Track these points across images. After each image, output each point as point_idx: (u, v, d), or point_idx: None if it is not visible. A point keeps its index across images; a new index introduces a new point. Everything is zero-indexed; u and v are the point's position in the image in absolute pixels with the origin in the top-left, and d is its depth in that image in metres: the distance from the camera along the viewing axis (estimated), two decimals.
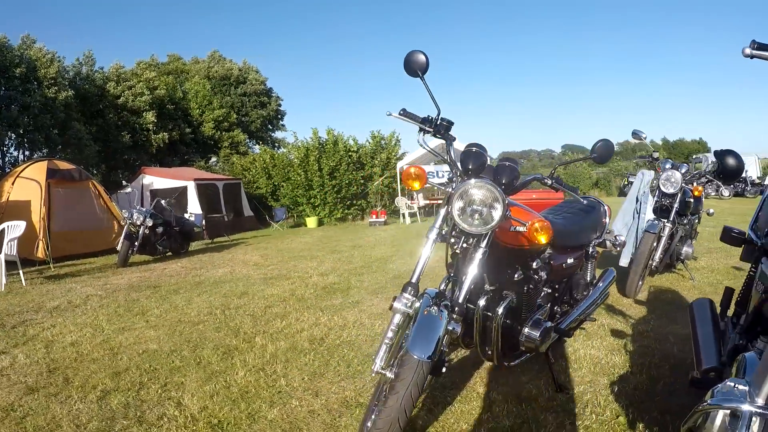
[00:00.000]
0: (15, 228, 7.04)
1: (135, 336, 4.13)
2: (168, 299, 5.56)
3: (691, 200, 5.03)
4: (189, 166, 23.15)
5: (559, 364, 3.04)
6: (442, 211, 2.23)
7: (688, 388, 2.67)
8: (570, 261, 2.86)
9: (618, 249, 3.38)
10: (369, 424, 2.11)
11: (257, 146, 29.69)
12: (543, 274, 2.58)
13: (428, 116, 2.35)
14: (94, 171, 17.93)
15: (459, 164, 2.27)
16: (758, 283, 1.90)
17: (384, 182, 18.31)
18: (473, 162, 2.22)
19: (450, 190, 2.17)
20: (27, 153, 19.01)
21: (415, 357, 1.82)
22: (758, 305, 1.76)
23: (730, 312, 2.46)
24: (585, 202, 3.01)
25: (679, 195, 4.77)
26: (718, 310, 2.42)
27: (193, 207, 14.60)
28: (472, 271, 2.14)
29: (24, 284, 6.82)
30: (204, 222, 13.23)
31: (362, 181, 18.48)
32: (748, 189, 21.09)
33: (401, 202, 16.44)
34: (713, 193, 20.59)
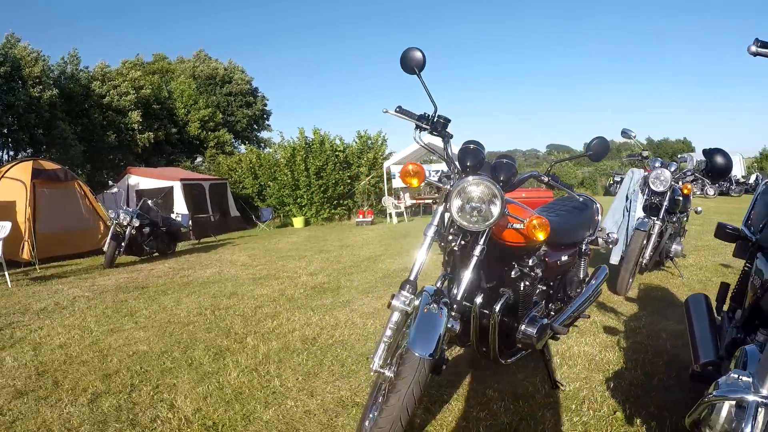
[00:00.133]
0: (0, 229, 6.92)
1: (124, 337, 4.07)
2: (156, 300, 5.50)
3: (680, 198, 5.08)
4: (175, 166, 22.94)
5: (553, 361, 3.04)
6: (440, 208, 2.21)
7: (683, 384, 2.70)
8: (564, 258, 2.86)
9: (611, 246, 3.40)
10: (367, 423, 2.09)
11: (243, 146, 29.55)
12: (538, 271, 2.58)
13: (425, 113, 2.34)
14: (79, 171, 17.70)
15: (457, 161, 2.26)
16: (755, 277, 1.91)
17: (371, 182, 18.30)
18: (471, 159, 2.21)
19: (448, 187, 2.16)
20: (11, 153, 18.75)
21: (417, 355, 1.80)
22: (756, 299, 1.77)
23: (725, 307, 2.48)
24: (581, 199, 3.02)
25: (669, 193, 4.81)
26: (714, 305, 2.43)
27: (180, 207, 14.45)
28: (470, 269, 2.14)
29: (9, 286, 6.69)
30: (190, 222, 13.11)
31: (349, 181, 18.45)
32: (733, 188, 21.39)
33: (388, 201, 16.44)
34: (698, 192, 20.84)
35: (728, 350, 1.92)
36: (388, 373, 1.98)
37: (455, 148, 2.38)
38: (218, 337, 3.96)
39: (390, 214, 16.28)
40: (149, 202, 9.85)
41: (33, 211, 9.28)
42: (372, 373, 2.11)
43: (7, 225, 7.00)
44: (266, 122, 34.94)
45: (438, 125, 2.31)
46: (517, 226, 2.27)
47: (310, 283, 6.08)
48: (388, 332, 2.03)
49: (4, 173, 9.67)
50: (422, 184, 2.18)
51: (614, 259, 5.15)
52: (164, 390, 2.95)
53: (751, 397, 1.25)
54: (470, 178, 2.09)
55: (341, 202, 18.43)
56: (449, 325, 2.00)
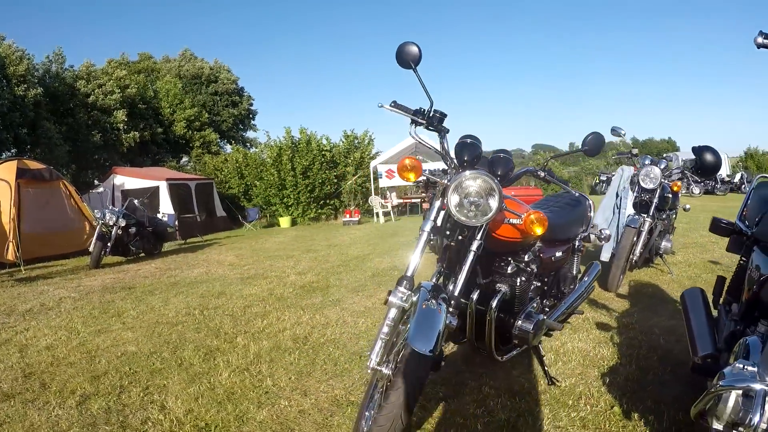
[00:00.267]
0: None
1: (112, 338, 4.00)
2: (144, 300, 5.42)
3: (670, 195, 5.11)
4: (160, 166, 22.76)
5: (548, 357, 3.03)
6: (437, 203, 2.19)
7: (679, 378, 2.70)
8: (558, 254, 2.86)
9: (603, 242, 3.40)
10: (363, 422, 2.06)
11: (229, 146, 29.42)
12: (534, 267, 2.58)
13: (420, 108, 2.32)
14: (64, 171, 17.48)
15: (454, 156, 2.24)
16: (752, 270, 1.92)
17: (357, 181, 18.28)
18: (468, 153, 2.19)
19: (446, 182, 2.14)
20: None
21: (418, 351, 1.77)
22: (755, 291, 1.78)
23: (721, 300, 2.49)
24: (576, 194, 3.02)
25: (658, 190, 4.84)
26: (710, 298, 2.44)
27: (166, 207, 14.33)
28: (468, 264, 2.11)
29: None
30: (177, 222, 13.00)
31: (335, 181, 18.42)
32: (718, 186, 21.63)
33: (375, 201, 16.44)
34: (684, 191, 21.07)
35: (727, 342, 1.93)
36: (386, 371, 1.95)
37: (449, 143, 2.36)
38: (208, 337, 3.90)
39: (377, 214, 16.28)
40: (135, 201, 9.75)
41: (18, 212, 9.14)
42: (368, 371, 2.08)
43: None
44: (252, 122, 34.84)
45: (434, 120, 2.29)
46: (514, 221, 2.26)
47: (299, 282, 6.04)
48: (385, 329, 2.00)
49: None
50: (419, 178, 2.15)
51: (605, 256, 5.17)
52: (154, 391, 2.89)
53: (758, 386, 1.27)
54: (468, 172, 2.07)
55: (328, 201, 18.41)
56: (448, 321, 1.98)
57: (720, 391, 1.32)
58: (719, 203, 15.73)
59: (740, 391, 1.29)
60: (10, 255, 8.65)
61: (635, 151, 5.22)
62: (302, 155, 17.86)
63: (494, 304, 2.31)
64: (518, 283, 2.47)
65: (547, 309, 2.94)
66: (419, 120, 2.30)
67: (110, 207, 9.78)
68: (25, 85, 18.14)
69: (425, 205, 7.52)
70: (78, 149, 21.07)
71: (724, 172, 23.41)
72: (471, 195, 2.08)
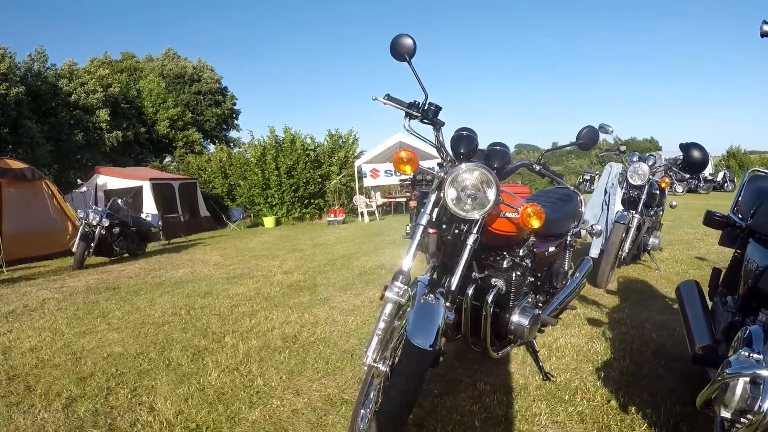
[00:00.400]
0: None
1: (97, 339, 3.91)
2: (129, 301, 5.32)
3: (657, 192, 5.15)
4: (143, 165, 22.50)
5: (541, 353, 3.02)
6: (433, 197, 2.16)
7: (673, 372, 2.71)
8: (551, 249, 2.85)
9: (595, 237, 3.41)
10: (360, 420, 2.02)
11: (212, 146, 29.21)
12: (528, 261, 2.56)
13: (415, 101, 2.28)
14: (46, 171, 17.20)
15: (450, 149, 2.21)
16: (749, 261, 1.92)
17: (342, 181, 18.24)
18: (464, 146, 2.16)
19: (443, 174, 2.10)
20: None
21: (418, 346, 1.73)
22: (754, 282, 1.78)
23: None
24: (571, 189, 3.01)
25: (646, 187, 4.87)
26: (705, 291, 2.45)
27: (149, 207, 14.14)
28: (464, 258, 2.09)
29: None
30: (160, 223, 12.85)
31: (320, 180, 18.36)
32: (701, 185, 21.88)
33: (360, 200, 16.42)
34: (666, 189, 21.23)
35: (725, 333, 1.94)
36: (383, 368, 1.92)
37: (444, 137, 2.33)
38: (195, 337, 3.84)
39: (361, 213, 16.26)
40: (119, 201, 9.59)
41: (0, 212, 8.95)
42: (364, 368, 2.04)
43: None
44: (235, 121, 34.62)
45: (429, 113, 2.26)
46: (510, 214, 2.24)
47: (286, 281, 5.98)
48: (382, 324, 1.97)
49: None
50: (416, 171, 2.11)
51: (594, 252, 5.19)
52: (143, 392, 2.82)
53: (765, 372, 1.29)
54: (464, 165, 2.04)
55: (312, 201, 18.33)
56: (445, 316, 1.95)
57: (727, 380, 1.33)
58: (702, 201, 15.93)
59: (747, 379, 1.31)
60: None
61: (623, 148, 5.25)
62: (286, 155, 17.76)
63: (490, 299, 2.28)
64: (514, 278, 2.45)
65: (540, 304, 2.93)
66: (414, 113, 2.26)
67: (93, 207, 9.63)
68: (7, 84, 17.82)
69: (412, 203, 7.50)
70: (60, 149, 20.76)
71: (707, 170, 23.72)
72: (468, 188, 2.05)
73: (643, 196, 4.85)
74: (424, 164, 2.23)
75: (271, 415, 2.47)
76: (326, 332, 3.79)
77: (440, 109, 2.27)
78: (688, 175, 20.51)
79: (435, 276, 2.45)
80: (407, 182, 12.18)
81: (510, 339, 2.49)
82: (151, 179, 15.13)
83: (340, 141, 19.54)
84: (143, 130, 26.26)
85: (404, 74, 2.27)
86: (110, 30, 58.04)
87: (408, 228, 7.69)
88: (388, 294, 1.96)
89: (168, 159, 29.73)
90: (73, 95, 21.46)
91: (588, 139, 2.39)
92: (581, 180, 27.75)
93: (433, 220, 2.18)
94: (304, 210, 18.14)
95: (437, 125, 2.27)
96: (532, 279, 2.81)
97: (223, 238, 13.64)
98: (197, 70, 31.92)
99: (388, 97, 2.30)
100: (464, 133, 2.21)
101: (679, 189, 21.25)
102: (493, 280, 2.40)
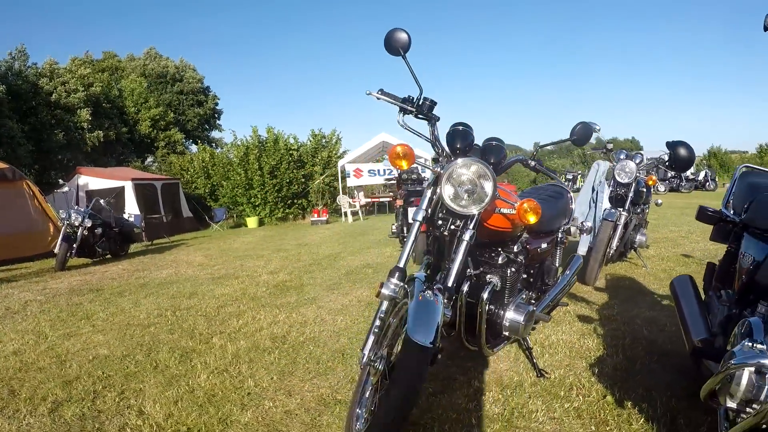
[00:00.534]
0: None
1: (82, 342, 3.82)
2: (113, 302, 5.22)
3: (644, 190, 5.18)
4: (125, 166, 22.22)
5: (534, 350, 3.01)
6: (428, 192, 2.13)
7: (666, 367, 2.72)
8: (544, 246, 2.85)
9: (585, 234, 3.42)
10: (355, 420, 1.99)
11: (194, 146, 28.97)
12: (521, 258, 2.55)
13: (409, 96, 2.25)
14: (27, 171, 16.90)
15: (446, 145, 2.19)
16: (744, 255, 1.93)
17: (325, 180, 18.21)
18: (460, 141, 2.14)
19: (439, 169, 2.08)
20: None
21: (418, 343, 1.70)
22: (750, 275, 1.79)
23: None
24: (564, 185, 3.01)
25: (633, 185, 4.90)
26: (700, 285, 2.47)
27: (131, 208, 13.98)
28: (460, 255, 2.06)
29: None
30: (143, 223, 12.69)
31: (303, 180, 18.31)
32: (683, 184, 22.17)
33: (343, 200, 16.40)
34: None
35: (722, 326, 1.96)
36: (380, 366, 1.89)
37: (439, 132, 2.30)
38: (182, 339, 3.77)
39: (345, 213, 16.24)
40: (101, 201, 9.44)
41: None
42: (360, 367, 2.01)
43: None
44: (218, 121, 34.40)
45: (424, 108, 2.23)
46: (506, 210, 2.22)
47: (272, 281, 5.93)
48: (378, 322, 1.94)
49: None
50: (412, 166, 2.08)
51: (582, 249, 5.20)
52: (130, 396, 2.76)
53: None
54: (461, 160, 2.02)
55: (295, 201, 18.26)
56: (444, 312, 1.92)
57: (732, 370, 1.34)
58: (685, 200, 16.16)
59: (753, 369, 1.32)
60: None
61: (610, 146, 5.28)
62: (269, 155, 17.69)
63: (485, 295, 2.26)
64: (508, 274, 2.44)
65: (533, 301, 2.92)
66: (408, 108, 2.24)
67: (76, 207, 9.47)
68: None
69: (399, 202, 7.48)
70: (41, 149, 20.39)
71: (688, 170, 24.02)
72: (465, 183, 2.03)
73: (630, 194, 4.89)
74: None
75: (263, 416, 2.43)
76: (315, 332, 3.75)
77: (435, 104, 2.24)
78: (671, 174, 20.80)
79: (428, 273, 2.42)
80: (392, 182, 12.21)
81: (504, 336, 2.48)
82: (133, 179, 14.98)
83: (324, 141, 19.55)
84: (125, 130, 25.94)
85: (399, 69, 2.24)
86: (93, 29, 57.12)
87: (394, 227, 7.67)
88: (384, 291, 1.93)
89: (150, 159, 29.44)
90: (53, 94, 21.10)
91: (582, 135, 2.38)
92: (564, 180, 28.03)
93: (428, 215, 2.16)
94: (287, 210, 18.07)
95: (432, 120, 2.24)
96: (525, 276, 2.80)
97: (206, 238, 13.52)
98: (179, 69, 31.63)
99: (382, 92, 2.27)
100: (460, 128, 2.19)
101: (661, 188, 21.52)
102: (488, 276, 2.39)
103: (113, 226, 9.34)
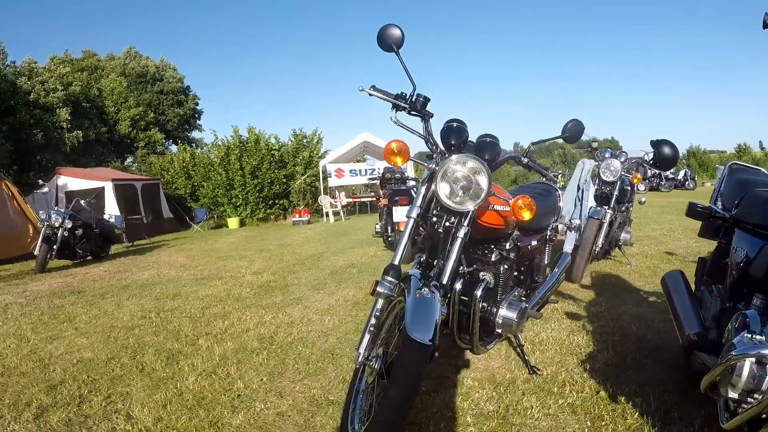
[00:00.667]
0: None
1: (65, 345, 3.74)
2: (95, 304, 5.13)
3: (629, 188, 5.24)
4: (105, 166, 21.89)
5: (525, 347, 3.02)
6: (423, 189, 2.12)
7: (657, 362, 2.74)
8: (534, 243, 2.86)
9: (574, 231, 3.44)
10: (351, 421, 1.97)
11: (174, 146, 28.68)
12: (513, 255, 2.55)
13: (402, 92, 2.24)
14: (5, 172, 16.54)
15: (440, 141, 2.17)
16: (737, 250, 1.96)
17: (306, 181, 18.15)
18: (455, 138, 2.13)
19: (434, 166, 2.07)
20: None
21: (417, 341, 1.69)
22: (742, 270, 1.81)
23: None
24: (555, 182, 3.02)
25: (618, 183, 4.95)
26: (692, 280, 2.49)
27: (111, 208, 13.77)
28: (455, 252, 2.05)
29: None
30: (124, 224, 12.51)
31: (284, 180, 18.23)
32: (663, 183, 22.47)
33: (325, 200, 16.37)
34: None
35: (716, 320, 1.98)
36: (376, 365, 1.87)
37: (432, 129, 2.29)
38: (168, 340, 3.71)
39: (326, 213, 16.21)
40: (81, 202, 9.27)
41: None
42: (356, 366, 1.99)
43: None
44: (198, 122, 34.09)
45: (417, 104, 2.21)
46: (499, 207, 2.22)
47: (256, 282, 5.88)
48: (373, 320, 1.92)
49: None
50: (407, 162, 2.07)
51: (568, 247, 5.24)
52: (117, 400, 2.69)
53: None
54: (456, 156, 2.01)
55: (277, 201, 18.17)
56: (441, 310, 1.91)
57: (733, 361, 1.36)
58: (665, 199, 16.40)
59: (753, 359, 1.34)
60: None
61: (595, 144, 5.32)
62: (251, 155, 17.59)
63: (478, 293, 2.26)
64: (501, 272, 2.44)
65: (523, 298, 2.93)
66: (401, 104, 2.22)
67: (55, 208, 9.29)
68: None
69: (383, 201, 7.45)
70: (20, 149, 19.97)
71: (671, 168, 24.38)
72: (460, 180, 2.02)
73: (615, 192, 4.93)
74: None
75: (255, 418, 2.39)
76: (303, 332, 3.71)
77: (428, 100, 2.23)
78: (651, 173, 21.06)
79: (422, 270, 2.41)
80: (375, 181, 12.18)
81: (497, 333, 2.48)
82: (113, 180, 14.78)
83: (305, 141, 19.48)
84: (104, 130, 25.54)
85: (390, 65, 2.22)
86: (72, 27, 56.12)
87: (378, 227, 7.64)
88: (379, 289, 1.91)
89: (130, 159, 29.07)
90: (32, 94, 20.68)
91: (573, 132, 2.39)
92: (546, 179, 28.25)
93: (422, 212, 2.14)
94: (268, 210, 17.99)
95: (426, 117, 2.23)
96: (516, 273, 2.81)
97: (187, 239, 13.39)
98: (159, 69, 31.29)
99: (375, 89, 2.25)
100: (454, 124, 2.18)
101: (642, 187, 21.81)
102: (481, 273, 2.39)
103: (94, 227, 9.19)
